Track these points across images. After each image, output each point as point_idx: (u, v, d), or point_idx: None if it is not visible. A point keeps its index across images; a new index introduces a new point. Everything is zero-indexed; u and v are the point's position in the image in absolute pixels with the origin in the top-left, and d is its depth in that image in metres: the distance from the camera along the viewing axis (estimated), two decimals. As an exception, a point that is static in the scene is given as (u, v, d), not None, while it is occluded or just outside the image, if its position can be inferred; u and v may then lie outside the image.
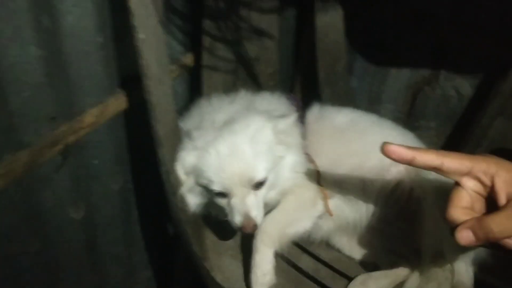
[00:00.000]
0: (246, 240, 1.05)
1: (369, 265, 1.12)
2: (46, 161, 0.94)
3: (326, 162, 1.06)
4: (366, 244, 1.12)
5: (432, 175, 0.89)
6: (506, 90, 1.19)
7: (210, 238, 1.12)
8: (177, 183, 0.97)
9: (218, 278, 1.06)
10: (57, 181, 1.00)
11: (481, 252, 1.05)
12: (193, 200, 1.02)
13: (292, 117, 1.00)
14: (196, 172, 0.96)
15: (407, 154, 0.69)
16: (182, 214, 1.00)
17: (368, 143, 1.08)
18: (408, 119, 1.57)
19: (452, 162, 0.68)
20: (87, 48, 0.91)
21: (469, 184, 0.67)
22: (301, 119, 1.10)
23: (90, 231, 1.17)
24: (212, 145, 0.92)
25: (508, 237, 0.63)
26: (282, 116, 1.00)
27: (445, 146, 1.51)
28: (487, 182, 0.67)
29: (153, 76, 0.85)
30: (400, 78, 1.52)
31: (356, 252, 1.13)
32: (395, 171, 1.05)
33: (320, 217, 1.07)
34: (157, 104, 0.87)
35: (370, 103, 1.60)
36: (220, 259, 1.10)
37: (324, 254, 1.14)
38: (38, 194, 0.98)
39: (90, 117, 0.98)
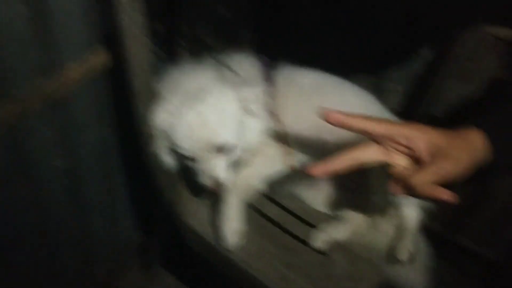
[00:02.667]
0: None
1: (329, 215, 1.22)
2: (33, 112, 1.01)
3: (291, 120, 1.14)
4: (327, 196, 1.22)
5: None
6: (461, 54, 1.28)
7: (183, 186, 1.21)
8: (150, 133, 1.05)
9: (192, 223, 1.16)
10: (43, 131, 1.07)
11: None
12: (167, 160, 1.10)
13: (258, 88, 1.07)
14: (167, 137, 1.04)
15: (342, 118, 0.82)
16: (155, 162, 1.09)
17: (329, 103, 1.17)
18: (379, 82, 1.65)
19: (379, 127, 0.79)
20: (71, 5, 0.96)
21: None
22: (270, 79, 1.18)
23: (74, 180, 1.25)
24: (181, 113, 1.00)
25: (428, 191, 0.74)
26: (249, 84, 1.07)
27: (409, 107, 1.60)
28: (410, 145, 0.77)
29: (132, 34, 0.92)
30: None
31: (318, 202, 1.23)
32: None
33: (285, 171, 1.16)
34: (134, 60, 0.95)
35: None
36: (194, 206, 1.19)
37: (289, 204, 1.23)
38: (26, 143, 1.05)
39: (74, 72, 1.04)
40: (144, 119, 1.02)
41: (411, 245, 1.13)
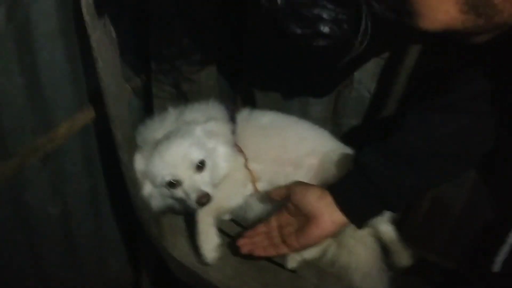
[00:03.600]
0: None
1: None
2: (29, 166, 1.14)
3: (253, 154, 1.29)
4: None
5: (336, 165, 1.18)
6: (398, 90, 1.49)
7: (165, 222, 1.33)
8: (135, 177, 1.19)
9: (175, 254, 1.27)
10: (38, 182, 1.20)
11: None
12: (155, 203, 1.22)
13: (215, 121, 1.23)
14: (150, 177, 1.17)
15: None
16: (141, 203, 1.22)
17: (286, 139, 1.34)
18: (334, 117, 1.83)
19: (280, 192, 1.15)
20: (59, 74, 1.12)
21: None
22: (234, 119, 1.33)
23: (66, 224, 1.36)
24: (155, 151, 1.16)
25: None
26: (208, 120, 1.23)
27: (366, 138, 1.77)
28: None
29: (112, 95, 1.07)
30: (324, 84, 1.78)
31: None
32: (308, 162, 1.30)
33: (251, 196, 1.28)
34: (116, 116, 1.09)
35: (301, 105, 1.85)
36: (175, 239, 1.31)
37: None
38: (24, 193, 1.18)
39: (63, 129, 1.19)
40: (128, 166, 1.17)
41: (408, 252, 1.27)
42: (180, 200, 1.18)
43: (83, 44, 1.08)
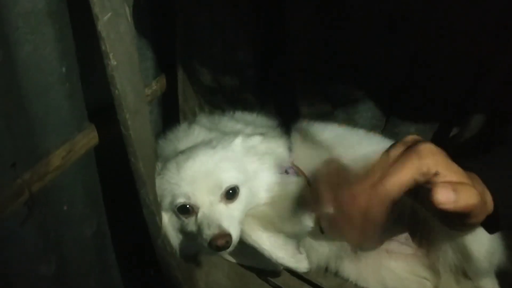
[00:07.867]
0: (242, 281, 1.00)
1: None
2: (9, 215, 0.81)
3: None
4: (375, 267, 1.05)
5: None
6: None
7: (203, 280, 1.04)
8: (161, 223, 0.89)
9: None
10: (23, 235, 0.88)
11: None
12: (174, 237, 0.94)
13: (264, 136, 0.96)
14: (161, 200, 0.89)
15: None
16: (171, 259, 0.90)
17: (359, 156, 1.05)
18: (387, 126, 1.54)
19: None
20: (49, 80, 0.79)
21: None
22: (288, 134, 1.06)
23: (63, 284, 1.05)
24: (169, 163, 0.87)
25: None
26: (253, 133, 0.97)
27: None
28: None
29: (129, 107, 0.75)
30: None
31: (362, 277, 1.06)
32: None
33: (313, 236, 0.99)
34: (135, 139, 0.77)
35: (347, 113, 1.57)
36: None
37: (325, 283, 1.06)
38: (3, 253, 0.86)
39: (57, 158, 0.86)
40: (153, 204, 0.83)
41: None
42: (191, 235, 0.90)
43: (85, 32, 0.75)
